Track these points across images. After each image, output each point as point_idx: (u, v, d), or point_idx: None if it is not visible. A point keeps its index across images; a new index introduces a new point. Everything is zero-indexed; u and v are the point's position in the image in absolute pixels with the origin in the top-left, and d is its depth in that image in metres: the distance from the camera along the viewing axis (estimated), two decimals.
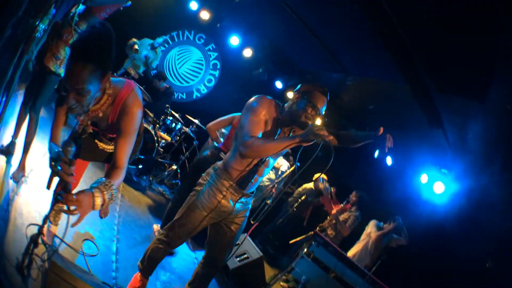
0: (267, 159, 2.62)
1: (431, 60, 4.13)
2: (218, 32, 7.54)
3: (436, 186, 5.33)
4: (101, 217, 3.36)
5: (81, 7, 3.62)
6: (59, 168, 1.76)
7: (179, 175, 6.26)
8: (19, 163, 3.28)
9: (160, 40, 6.82)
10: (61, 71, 3.42)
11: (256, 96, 2.58)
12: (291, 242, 5.10)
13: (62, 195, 1.65)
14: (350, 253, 5.54)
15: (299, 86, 2.65)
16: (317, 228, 5.38)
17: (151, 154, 5.39)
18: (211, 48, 8.12)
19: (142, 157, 5.35)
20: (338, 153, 2.43)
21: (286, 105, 2.61)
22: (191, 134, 6.21)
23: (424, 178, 5.70)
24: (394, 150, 6.68)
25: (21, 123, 3.53)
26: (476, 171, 5.09)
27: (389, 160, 6.48)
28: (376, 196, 6.37)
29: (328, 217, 5.92)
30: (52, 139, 2.21)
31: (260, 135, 2.47)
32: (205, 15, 7.20)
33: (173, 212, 3.02)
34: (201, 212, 2.60)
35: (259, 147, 2.33)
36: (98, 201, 1.74)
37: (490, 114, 4.27)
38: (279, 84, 7.71)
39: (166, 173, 6.03)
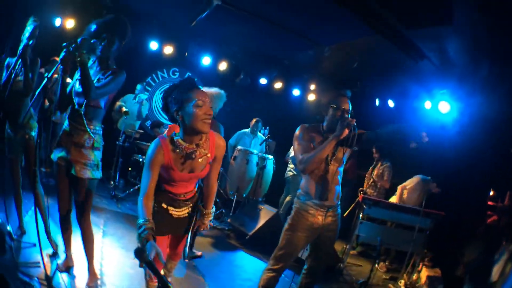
0: (329, 168, 2.98)
1: (391, 3, 4.45)
2: (188, 59, 7.86)
3: (441, 106, 5.79)
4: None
5: None
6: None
7: (220, 205, 6.64)
8: (89, 272, 3.11)
9: (139, 89, 7.13)
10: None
11: (298, 127, 3.09)
12: (344, 215, 5.51)
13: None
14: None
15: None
16: (360, 193, 5.78)
17: None
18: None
19: None
20: None
21: (324, 124, 3.07)
22: None
23: (427, 104, 6.17)
24: (392, 93, 7.06)
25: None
26: (469, 81, 5.51)
27: (391, 103, 6.88)
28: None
29: (365, 179, 6.33)
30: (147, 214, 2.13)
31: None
32: (168, 50, 7.53)
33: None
34: (297, 235, 3.01)
35: (308, 158, 2.88)
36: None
37: (459, 31, 4.65)
38: (263, 81, 8.08)
39: None
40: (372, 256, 6.14)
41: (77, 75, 2.71)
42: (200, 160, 2.31)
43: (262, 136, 6.98)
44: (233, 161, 6.47)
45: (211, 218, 2.64)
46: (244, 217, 5.96)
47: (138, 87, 7.11)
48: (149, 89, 8.22)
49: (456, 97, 5.66)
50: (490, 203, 5.24)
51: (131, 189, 6.43)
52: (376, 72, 6.64)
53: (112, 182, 6.29)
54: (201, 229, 2.65)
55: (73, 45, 2.39)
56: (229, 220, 6.18)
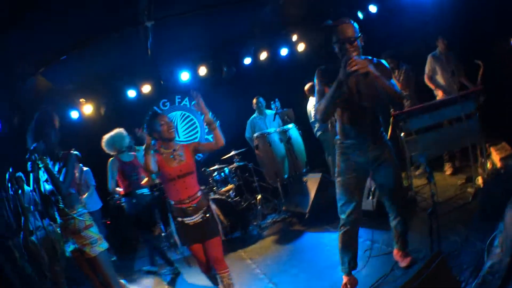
0: (359, 105, 2.90)
1: None
2: (167, 84, 7.63)
3: None
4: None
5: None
6: None
7: (269, 197, 6.39)
8: None
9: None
10: None
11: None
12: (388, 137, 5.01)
13: None
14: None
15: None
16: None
17: (233, 212, 5.47)
18: (180, 100, 8.22)
19: (232, 218, 5.44)
20: None
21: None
22: (241, 163, 6.29)
23: None
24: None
25: None
26: None
27: (373, 8, 6.33)
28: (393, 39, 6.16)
29: None
30: None
31: None
32: (146, 88, 7.37)
33: None
34: (346, 178, 3.03)
35: (320, 106, 2.87)
36: None
37: None
38: (248, 60, 7.67)
39: (259, 207, 6.13)
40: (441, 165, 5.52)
41: (43, 178, 3.07)
42: (179, 158, 3.25)
43: (272, 110, 6.57)
44: (257, 150, 6.12)
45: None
46: (295, 197, 5.63)
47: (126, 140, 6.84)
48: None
49: None
50: None
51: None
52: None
53: (163, 234, 6.16)
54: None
55: (34, 154, 2.87)
56: (283, 208, 5.86)
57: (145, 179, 4.66)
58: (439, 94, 5.50)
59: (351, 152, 3.00)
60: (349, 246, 3.13)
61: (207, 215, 3.24)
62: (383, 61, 2.94)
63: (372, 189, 4.52)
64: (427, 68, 5.57)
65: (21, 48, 4.70)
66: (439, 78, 5.49)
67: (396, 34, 6.12)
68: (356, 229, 3.13)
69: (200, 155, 8.27)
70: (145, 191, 4.80)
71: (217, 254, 3.21)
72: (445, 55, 5.45)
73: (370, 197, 4.52)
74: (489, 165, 4.49)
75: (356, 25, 2.84)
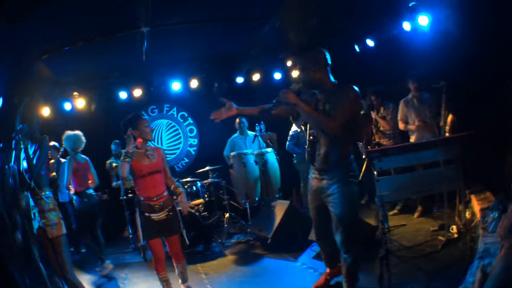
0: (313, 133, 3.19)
1: None
2: (158, 92, 7.68)
3: (421, 20, 5.25)
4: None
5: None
6: None
7: (237, 217, 6.33)
8: None
9: (114, 148, 6.89)
10: None
11: None
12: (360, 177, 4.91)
13: None
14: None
15: None
16: (367, 148, 5.16)
17: (198, 225, 5.38)
18: (168, 109, 8.21)
19: (192, 233, 5.33)
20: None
21: None
22: (215, 180, 6.22)
23: (406, 26, 5.63)
24: (370, 34, 6.46)
25: None
26: None
27: (370, 42, 6.29)
28: (387, 74, 6.13)
29: (374, 134, 5.72)
30: None
31: None
32: (137, 92, 7.44)
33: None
34: (309, 198, 3.34)
35: None
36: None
37: None
38: (240, 80, 7.70)
39: (226, 225, 6.02)
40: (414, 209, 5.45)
41: (22, 156, 3.34)
42: (151, 157, 3.68)
43: (254, 132, 6.53)
44: (231, 169, 6.08)
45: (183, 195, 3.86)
46: (261, 220, 5.55)
47: (113, 147, 6.85)
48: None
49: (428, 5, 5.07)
50: None
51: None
52: (337, 18, 6.06)
53: (131, 236, 6.07)
54: (184, 212, 3.89)
55: (19, 135, 3.21)
56: (249, 230, 5.74)
57: (90, 181, 5.10)
58: (411, 140, 5.38)
59: (311, 176, 3.25)
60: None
61: (171, 213, 3.70)
62: (354, 88, 2.92)
63: None
64: (399, 115, 5.45)
65: (29, 35, 4.74)
66: (411, 125, 5.34)
67: (389, 70, 6.06)
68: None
69: (179, 165, 8.23)
70: (93, 192, 5.17)
71: (176, 249, 3.77)
72: (417, 99, 5.27)
73: None
74: (467, 215, 4.34)
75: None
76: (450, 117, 4.75)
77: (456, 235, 4.13)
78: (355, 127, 3.20)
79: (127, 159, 3.41)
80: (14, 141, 3.23)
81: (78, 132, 5.15)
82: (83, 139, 5.18)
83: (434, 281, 3.23)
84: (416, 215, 5.29)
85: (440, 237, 4.24)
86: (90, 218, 5.08)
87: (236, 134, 6.84)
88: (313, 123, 3.09)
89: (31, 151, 3.36)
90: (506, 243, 1.71)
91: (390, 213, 5.52)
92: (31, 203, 3.37)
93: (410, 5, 5.20)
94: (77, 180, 5.00)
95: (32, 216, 3.37)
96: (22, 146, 3.24)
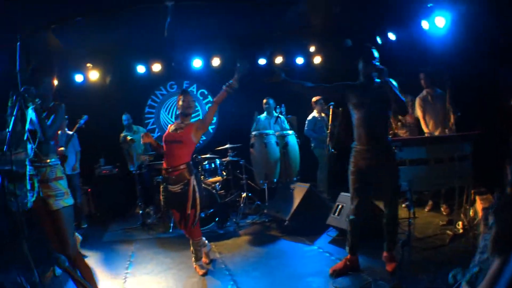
0: (364, 111, 3.51)
1: None
2: (178, 68, 7.64)
3: (438, 22, 5.54)
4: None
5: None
6: None
7: (254, 198, 6.37)
8: None
9: (124, 118, 6.83)
10: None
11: None
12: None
13: None
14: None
15: None
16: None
17: (216, 203, 5.41)
18: (187, 85, 8.19)
19: (211, 210, 5.37)
20: None
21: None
22: (233, 159, 6.23)
23: (425, 24, 5.85)
24: (392, 28, 6.44)
25: None
26: None
27: (392, 36, 6.36)
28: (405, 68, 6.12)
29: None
30: None
31: None
32: (156, 67, 7.44)
33: None
34: (351, 178, 3.54)
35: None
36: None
37: None
38: (262, 61, 7.65)
39: (241, 205, 6.05)
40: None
41: (29, 118, 2.92)
42: (180, 128, 3.80)
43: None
44: (252, 149, 6.06)
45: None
46: (279, 202, 5.56)
47: (124, 117, 6.80)
48: (153, 110, 8.15)
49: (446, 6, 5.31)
50: None
51: (159, 214, 6.27)
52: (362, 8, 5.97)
53: (140, 211, 6.11)
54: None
55: (25, 94, 2.74)
56: (265, 211, 5.77)
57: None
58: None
59: (356, 156, 3.52)
60: (352, 234, 3.61)
61: (186, 188, 3.69)
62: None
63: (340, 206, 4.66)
64: (418, 113, 5.48)
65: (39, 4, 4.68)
66: (428, 121, 5.39)
67: (410, 63, 6.05)
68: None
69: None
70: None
71: (188, 225, 3.75)
72: (431, 95, 5.33)
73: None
74: (471, 213, 4.47)
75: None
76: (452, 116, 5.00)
77: (461, 231, 4.30)
78: None
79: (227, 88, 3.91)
80: (21, 100, 2.77)
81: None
82: None
83: (443, 275, 3.24)
84: (427, 209, 5.46)
85: (448, 232, 4.38)
86: None
87: (264, 114, 6.82)
88: (398, 104, 3.38)
89: (41, 116, 2.96)
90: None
91: (403, 205, 5.55)
92: (30, 172, 2.95)
93: (428, 6, 5.34)
94: None
95: (29, 187, 2.94)
96: (31, 106, 2.82)
